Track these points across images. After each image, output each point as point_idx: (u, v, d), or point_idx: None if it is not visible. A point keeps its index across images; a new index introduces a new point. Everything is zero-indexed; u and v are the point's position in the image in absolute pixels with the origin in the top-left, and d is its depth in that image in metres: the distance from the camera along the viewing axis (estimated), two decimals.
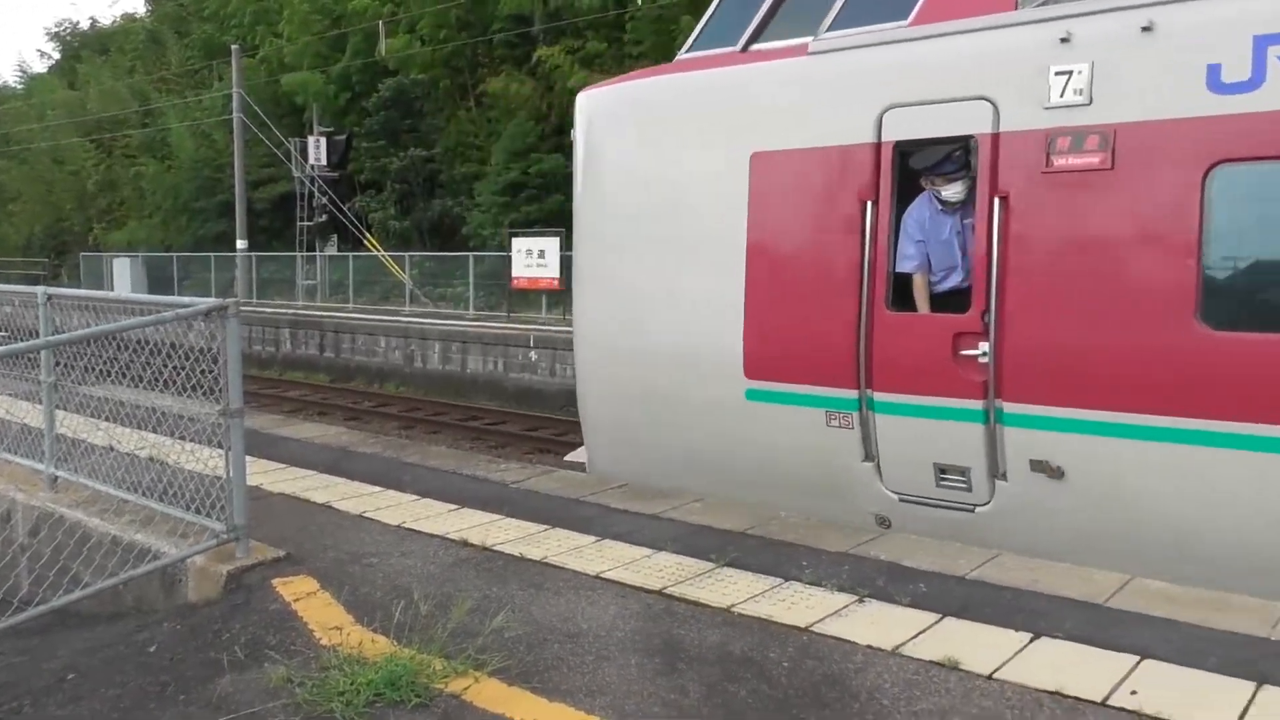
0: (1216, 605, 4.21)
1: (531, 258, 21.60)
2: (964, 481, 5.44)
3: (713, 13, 6.61)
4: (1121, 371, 4.84)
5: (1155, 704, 3.31)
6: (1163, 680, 3.50)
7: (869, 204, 5.58)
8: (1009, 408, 5.18)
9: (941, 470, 5.51)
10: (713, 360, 6.20)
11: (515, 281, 21.99)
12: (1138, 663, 3.63)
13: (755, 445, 6.11)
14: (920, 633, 3.95)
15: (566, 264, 21.52)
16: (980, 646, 3.79)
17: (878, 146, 5.56)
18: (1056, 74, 5.00)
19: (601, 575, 4.65)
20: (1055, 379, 5.03)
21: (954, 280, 5.69)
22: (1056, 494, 5.14)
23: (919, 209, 5.72)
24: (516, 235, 22.39)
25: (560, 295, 21.57)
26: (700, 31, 6.64)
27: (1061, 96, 4.99)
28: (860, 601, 4.28)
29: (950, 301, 5.61)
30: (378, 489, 6.26)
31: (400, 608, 4.10)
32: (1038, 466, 5.15)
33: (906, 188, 5.74)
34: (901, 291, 5.69)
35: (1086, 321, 4.93)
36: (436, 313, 23.68)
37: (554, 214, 24.87)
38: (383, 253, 26.10)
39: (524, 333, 18.60)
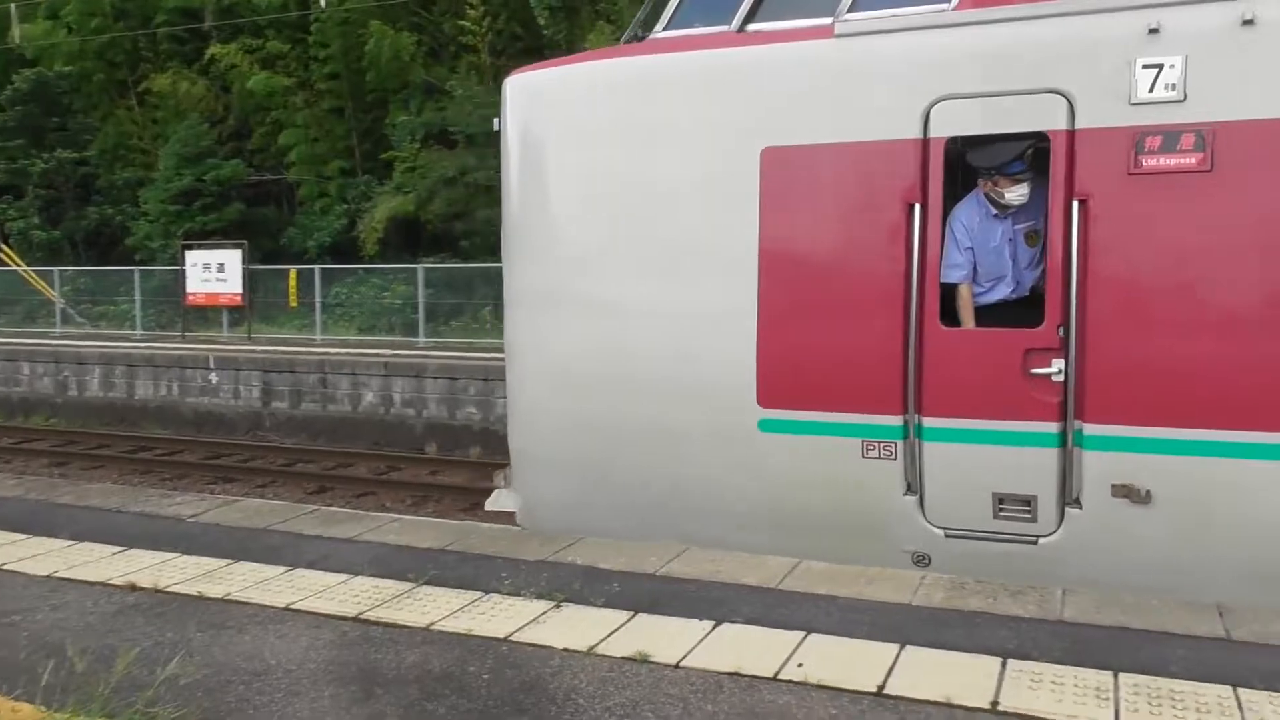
0: (869, 578, 4.73)
1: (210, 272, 20.11)
2: (1027, 511, 4.95)
3: None
4: (1222, 386, 4.56)
5: (819, 674, 3.66)
6: (824, 651, 3.88)
7: (916, 206, 4.99)
8: (1090, 429, 4.78)
9: (1001, 500, 5.00)
10: (716, 387, 5.40)
11: (190, 298, 20.37)
12: (804, 638, 4.00)
13: (769, 483, 5.37)
14: (614, 631, 4.11)
15: (254, 278, 20.28)
16: (669, 638, 4.02)
17: (925, 143, 4.96)
18: (1144, 67, 4.63)
19: (291, 606, 4.42)
20: (1146, 397, 4.67)
21: (1001, 292, 5.24)
22: (1140, 520, 4.76)
23: (966, 213, 5.19)
24: (191, 248, 20.74)
25: (243, 312, 20.24)
26: (675, 9, 5.72)
27: (1150, 92, 4.61)
28: (557, 607, 4.38)
29: (996, 315, 5.22)
30: (21, 536, 5.55)
31: (50, 668, 3.65)
32: (1120, 491, 4.76)
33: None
34: (944, 305, 5.16)
35: (1183, 334, 4.61)
36: (96, 334, 21.35)
37: (235, 224, 23.28)
38: (24, 267, 23.13)
39: (202, 353, 17.22)
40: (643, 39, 5.86)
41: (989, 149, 5.04)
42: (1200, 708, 3.35)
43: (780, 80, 5.32)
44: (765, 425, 5.32)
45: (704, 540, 5.30)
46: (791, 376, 5.26)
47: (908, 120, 4.98)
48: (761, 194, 5.27)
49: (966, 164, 5.23)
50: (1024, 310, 5.10)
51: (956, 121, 4.93)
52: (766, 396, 5.31)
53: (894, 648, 3.88)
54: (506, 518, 6.33)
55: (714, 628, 4.13)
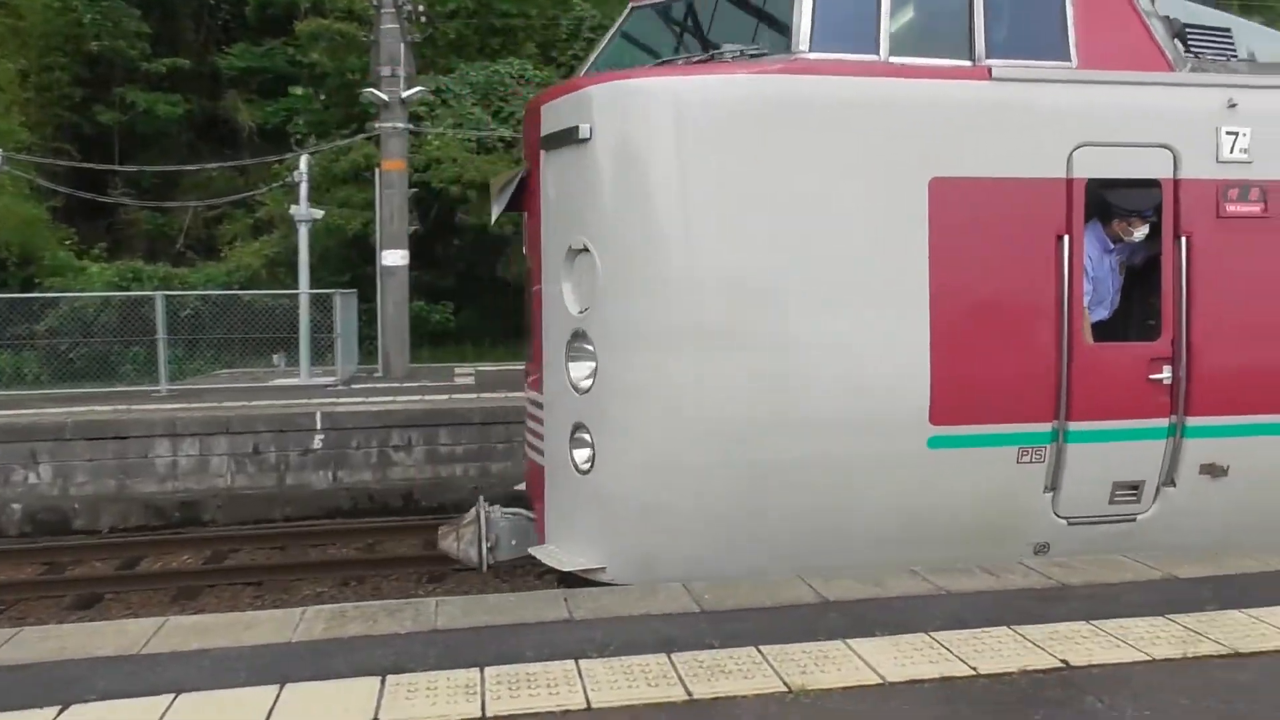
0: (246, 624, 4.54)
1: None
2: (1134, 495, 6.00)
3: (814, 12, 5.60)
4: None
5: None
6: (196, 708, 3.63)
7: (1064, 238, 5.74)
8: (1191, 421, 5.91)
9: (1117, 487, 5.95)
10: (891, 411, 5.56)
11: None
12: (173, 700, 3.69)
13: (935, 496, 5.69)
14: None
15: None
16: None
17: (1069, 182, 5.74)
18: (1226, 133, 5.91)
19: None
20: (1232, 391, 5.95)
21: (1099, 314, 6.14)
22: (1216, 492, 6.01)
23: (1089, 245, 5.98)
24: None
25: None
26: (811, 31, 5.57)
27: (1231, 153, 5.90)
28: None
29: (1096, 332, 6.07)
30: None
31: None
32: (1206, 469, 5.97)
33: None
34: None
35: (1256, 340, 6.01)
36: None
37: None
38: None
39: None
40: (759, 57, 5.63)
41: (1117, 191, 6.01)
42: (550, 683, 3.83)
43: (945, 114, 5.65)
44: (934, 442, 5.61)
45: (862, 561, 5.36)
46: (960, 393, 5.62)
47: (1057, 161, 5.74)
48: (930, 222, 5.56)
49: (1100, 201, 6.03)
50: (1105, 329, 6.15)
51: (1092, 165, 5.79)
52: (938, 414, 5.59)
53: (273, 689, 3.78)
54: None
55: (59, 713, 3.61)
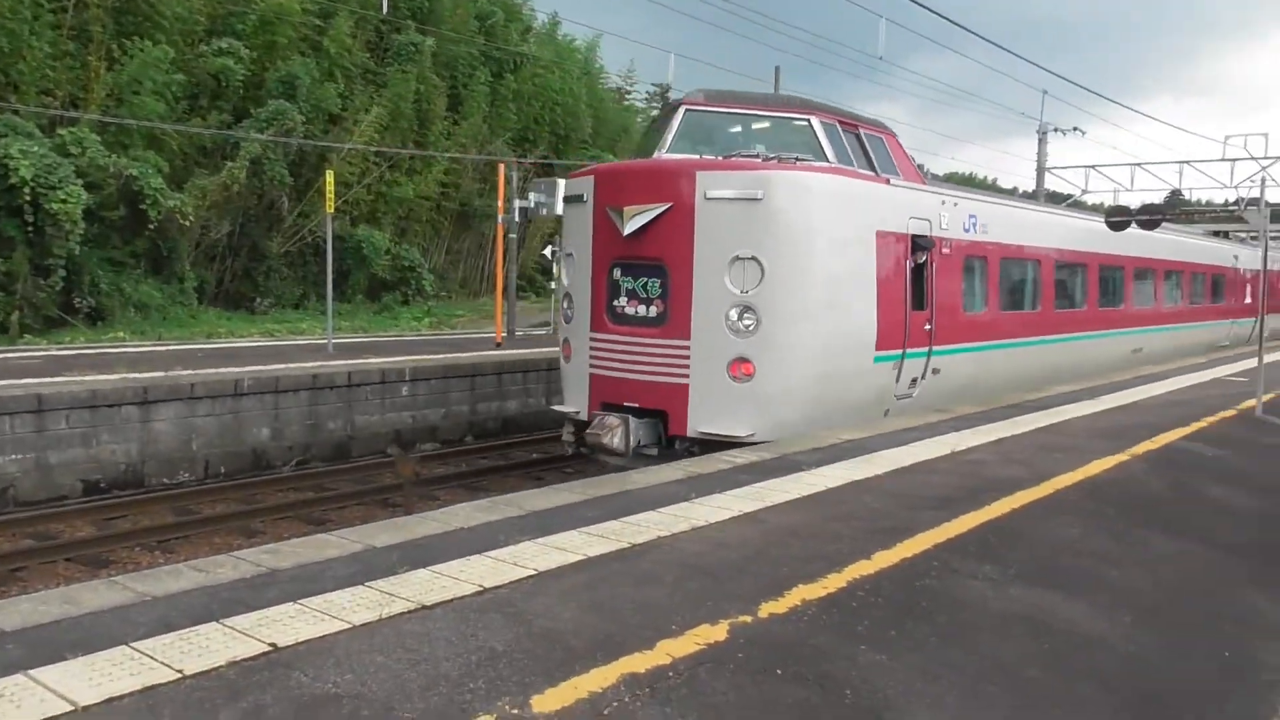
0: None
1: None
2: (915, 384, 12.11)
3: (830, 144, 11.37)
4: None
5: None
6: None
7: (905, 262, 11.75)
8: (935, 349, 12.25)
9: (912, 381, 12.08)
10: (863, 345, 11.26)
11: None
12: None
13: (873, 385, 11.56)
14: None
15: None
16: None
17: (909, 235, 11.85)
18: (944, 214, 12.73)
19: None
20: (945, 334, 12.38)
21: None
22: (940, 382, 12.47)
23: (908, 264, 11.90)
24: None
25: None
26: (834, 153, 11.30)
27: (943, 224, 12.62)
28: None
29: None
30: None
31: None
32: (935, 371, 12.37)
33: None
34: None
35: (951, 312, 12.78)
36: None
37: None
38: None
39: None
40: (802, 160, 11.00)
41: (919, 239, 12.02)
42: None
43: (878, 198, 11.70)
44: (875, 359, 11.46)
45: (843, 422, 10.56)
46: (883, 338, 11.39)
47: (904, 224, 11.77)
48: (876, 253, 11.44)
49: (913, 243, 12.15)
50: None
51: (913, 226, 11.96)
52: (878, 346, 11.40)
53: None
54: None
55: None
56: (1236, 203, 36.16)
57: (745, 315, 10.12)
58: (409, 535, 5.84)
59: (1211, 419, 11.78)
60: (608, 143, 40.09)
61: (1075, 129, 40.12)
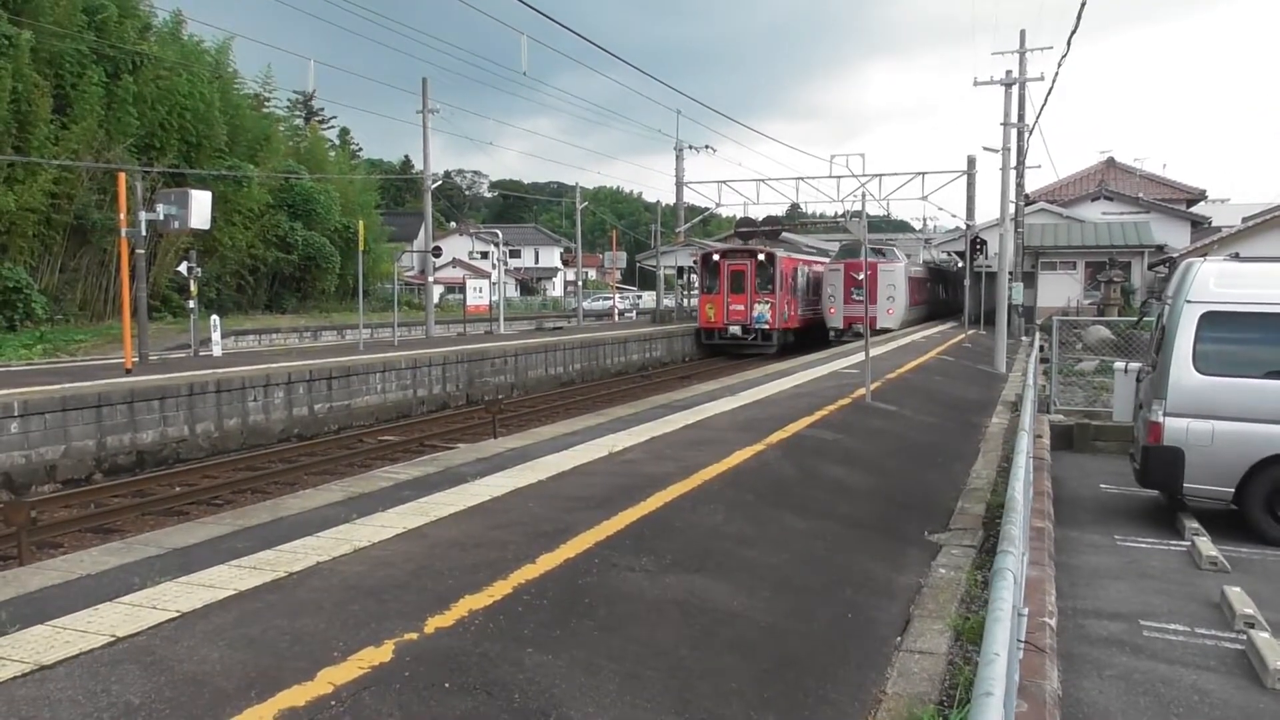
0: None
1: None
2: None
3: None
4: None
5: None
6: None
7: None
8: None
9: None
10: None
11: None
12: None
13: None
14: None
15: None
16: None
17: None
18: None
19: None
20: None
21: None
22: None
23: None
24: None
25: None
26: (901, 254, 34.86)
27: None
28: None
29: None
30: None
31: None
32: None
33: None
34: None
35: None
36: None
37: None
38: None
39: None
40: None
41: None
42: None
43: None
44: None
45: None
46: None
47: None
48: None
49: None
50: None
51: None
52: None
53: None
54: None
55: None
56: (844, 215, 44.34)
57: None
58: (21, 589, 5.14)
59: (831, 407, 13.30)
60: (246, 152, 37.64)
61: (707, 147, 45.75)
